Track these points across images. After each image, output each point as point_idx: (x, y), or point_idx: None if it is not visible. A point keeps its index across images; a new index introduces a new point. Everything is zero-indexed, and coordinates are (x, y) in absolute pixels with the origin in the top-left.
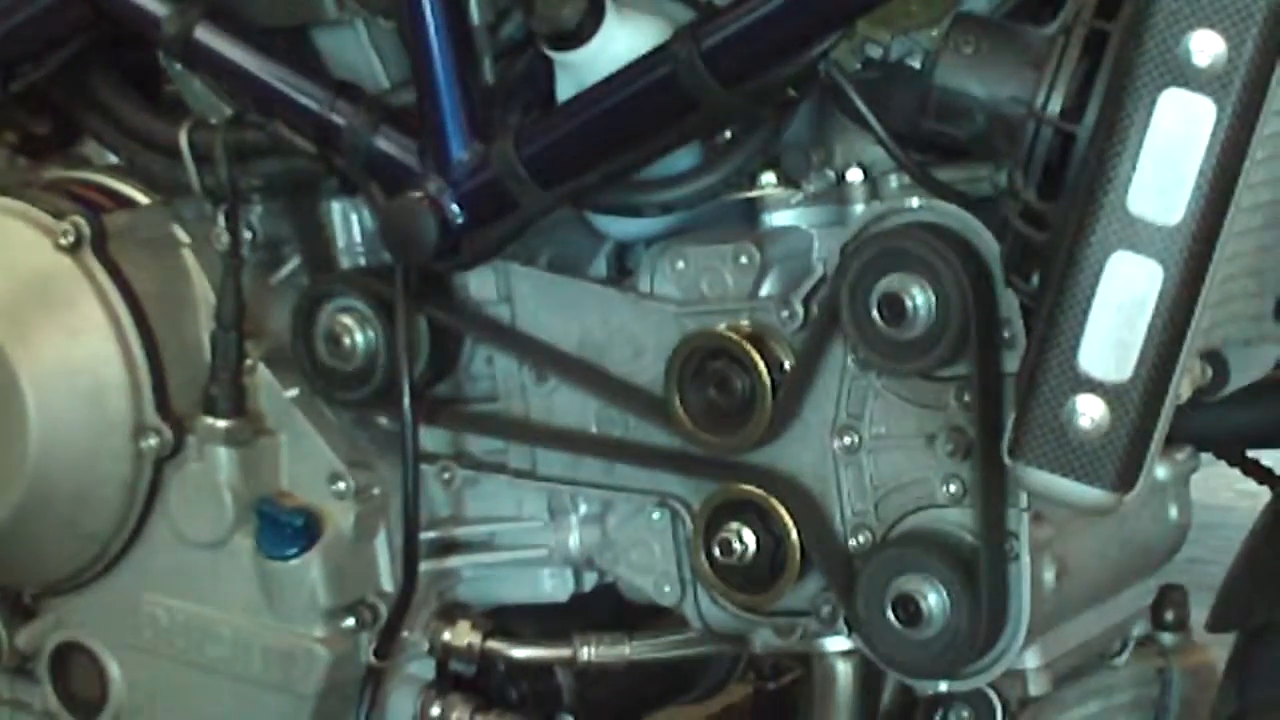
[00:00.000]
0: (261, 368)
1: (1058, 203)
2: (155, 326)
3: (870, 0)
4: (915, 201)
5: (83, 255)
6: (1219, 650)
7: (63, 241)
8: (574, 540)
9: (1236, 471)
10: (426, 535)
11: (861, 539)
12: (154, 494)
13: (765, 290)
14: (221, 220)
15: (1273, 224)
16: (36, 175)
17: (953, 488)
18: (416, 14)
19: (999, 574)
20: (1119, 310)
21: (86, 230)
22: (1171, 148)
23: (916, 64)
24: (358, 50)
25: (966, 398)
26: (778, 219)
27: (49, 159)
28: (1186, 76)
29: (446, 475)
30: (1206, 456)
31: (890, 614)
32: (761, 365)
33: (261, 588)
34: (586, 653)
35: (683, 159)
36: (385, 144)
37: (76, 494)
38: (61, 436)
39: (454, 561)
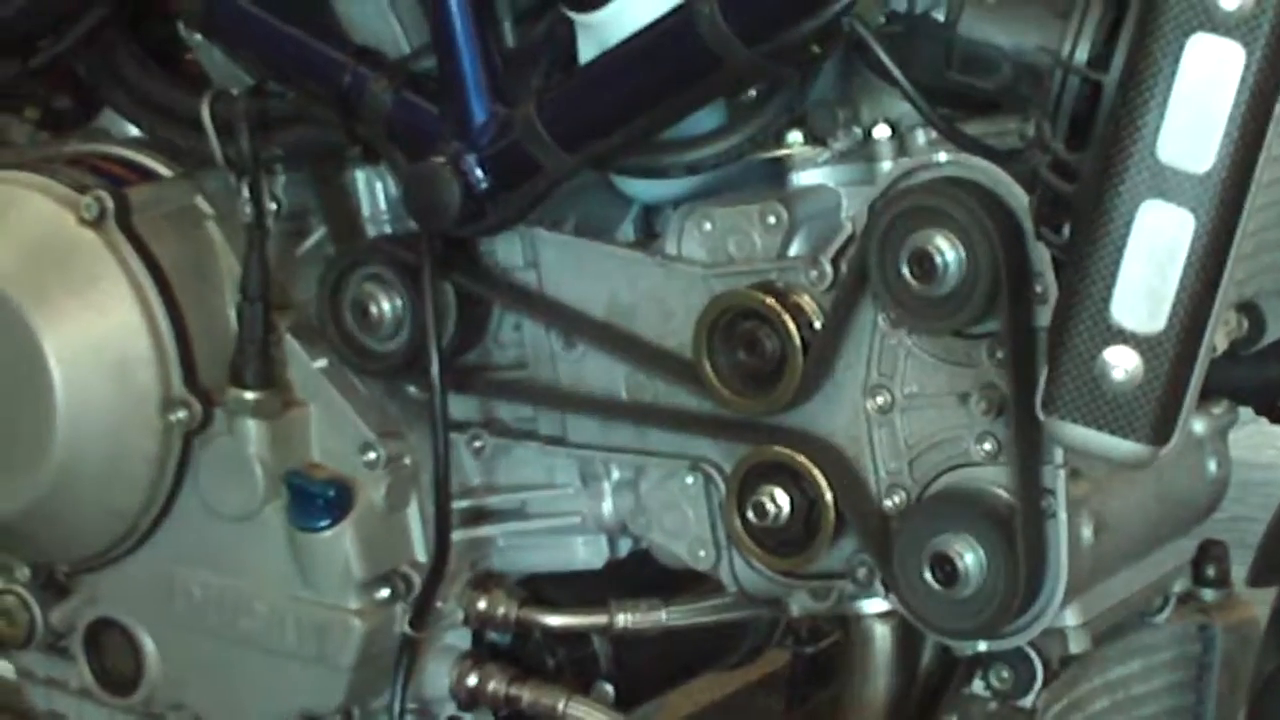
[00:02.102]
0: (289, 338)
1: (1087, 153)
2: (181, 299)
3: None
4: (943, 156)
5: (106, 229)
6: (1261, 607)
7: (86, 215)
8: (607, 506)
9: (1277, 426)
10: (458, 504)
11: (896, 499)
12: (183, 468)
13: (794, 250)
14: (245, 191)
15: None
16: (58, 150)
17: (987, 445)
18: None
19: (1036, 532)
20: (1150, 260)
21: (110, 204)
22: (1200, 94)
23: (941, 16)
24: (378, 15)
25: (999, 354)
26: (805, 178)
27: (70, 133)
28: (1214, 21)
29: (477, 443)
30: (1249, 414)
31: (927, 574)
32: (791, 326)
33: (294, 560)
34: (622, 620)
35: (708, 119)
36: (407, 110)
37: (106, 469)
38: (89, 412)
39: (487, 530)
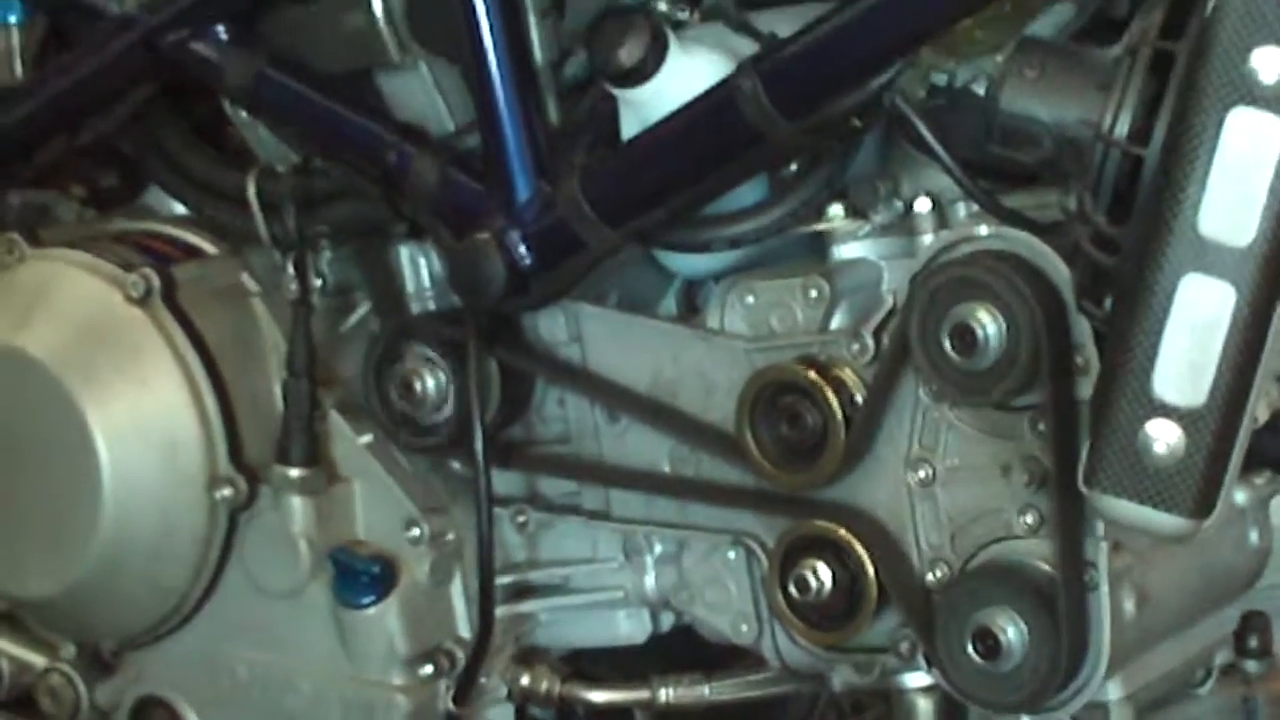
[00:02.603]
0: (334, 415)
1: (1128, 226)
2: (227, 376)
3: (933, 27)
4: (984, 229)
5: (153, 306)
6: None
7: (132, 293)
8: (650, 581)
9: None
10: (502, 580)
11: (939, 573)
12: (229, 545)
13: (835, 323)
14: (290, 268)
15: None
16: (104, 227)
17: (1030, 518)
18: (480, 55)
19: (1079, 605)
20: (1192, 333)
21: (156, 281)
22: (1241, 167)
23: (981, 90)
24: (422, 93)
25: (1041, 426)
26: (846, 251)
27: (116, 211)
28: (1254, 95)
29: (521, 518)
30: None
31: (970, 648)
32: (833, 400)
33: (339, 637)
34: (665, 695)
35: (749, 193)
36: (451, 187)
37: (152, 547)
38: (136, 490)
39: (530, 605)
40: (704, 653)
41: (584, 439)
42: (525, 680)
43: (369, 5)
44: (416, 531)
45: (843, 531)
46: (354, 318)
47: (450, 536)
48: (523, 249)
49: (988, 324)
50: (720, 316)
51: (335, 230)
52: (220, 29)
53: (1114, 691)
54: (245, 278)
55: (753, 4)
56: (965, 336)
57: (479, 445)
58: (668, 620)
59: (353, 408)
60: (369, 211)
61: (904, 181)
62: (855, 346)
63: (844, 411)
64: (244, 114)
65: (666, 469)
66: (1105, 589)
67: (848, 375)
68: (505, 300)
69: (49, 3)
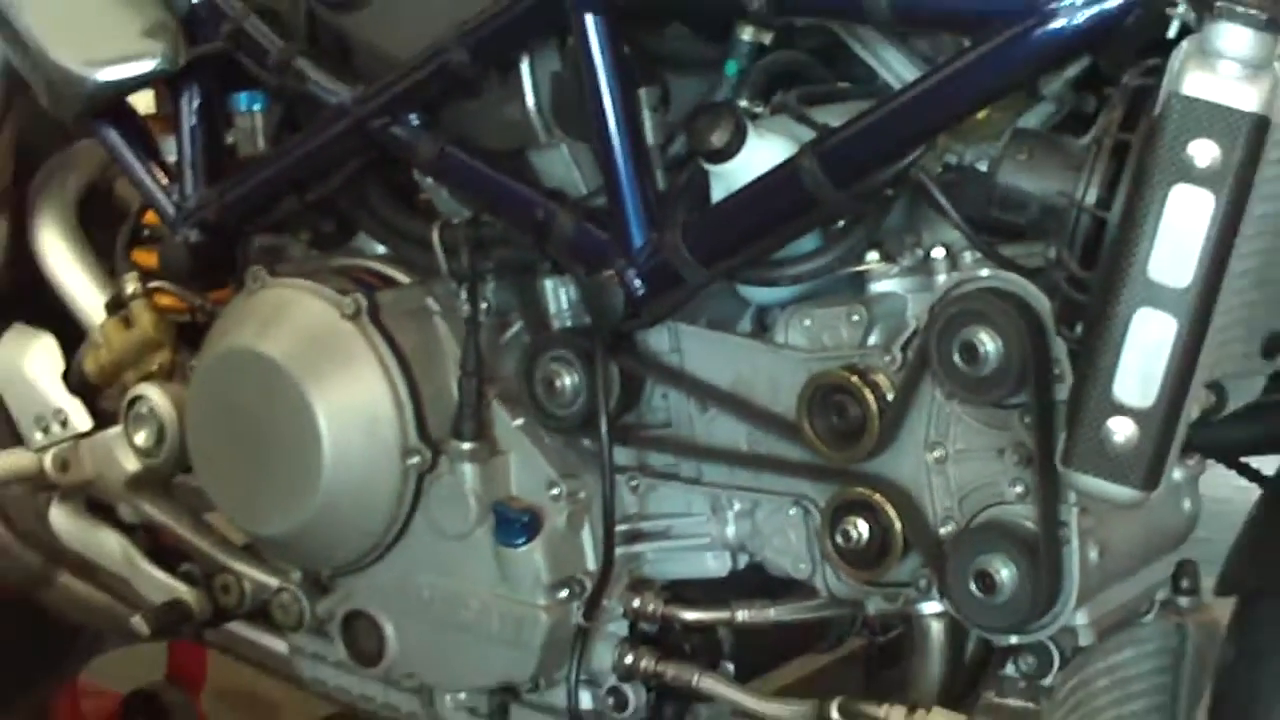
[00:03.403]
0: (496, 403)
1: (1095, 271)
2: (416, 374)
3: (948, 121)
4: (985, 272)
5: (361, 322)
6: (1223, 611)
7: (346, 312)
8: (730, 530)
9: (1234, 471)
10: (620, 528)
11: (949, 528)
12: (417, 499)
13: (872, 340)
14: (464, 295)
15: (1257, 285)
16: (325, 263)
17: (1019, 488)
18: (606, 137)
19: (1055, 554)
20: (1143, 353)
21: (364, 303)
22: (1181, 228)
23: (984, 167)
24: (563, 166)
25: (1027, 420)
26: (880, 286)
27: (334, 250)
28: (1191, 174)
29: (634, 483)
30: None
31: (972, 585)
32: (870, 397)
33: (498, 568)
34: (741, 615)
35: (807, 242)
36: (584, 235)
37: (359, 501)
38: (348, 457)
39: (640, 547)
40: (771, 584)
41: (681, 424)
42: (636, 603)
43: (524, 99)
44: (556, 491)
45: (877, 496)
46: (510, 332)
47: (582, 495)
48: (637, 283)
49: (988, 343)
50: (785, 334)
51: (498, 267)
52: (413, 116)
53: (1081, 619)
54: (430, 301)
55: (811, 101)
56: (971, 352)
57: (604, 427)
58: (743, 560)
59: (510, 398)
60: (523, 253)
61: (925, 234)
62: (887, 358)
63: (878, 406)
64: (430, 180)
65: (744, 447)
66: (1075, 542)
67: (881, 379)
68: (624, 321)
69: (285, 95)
